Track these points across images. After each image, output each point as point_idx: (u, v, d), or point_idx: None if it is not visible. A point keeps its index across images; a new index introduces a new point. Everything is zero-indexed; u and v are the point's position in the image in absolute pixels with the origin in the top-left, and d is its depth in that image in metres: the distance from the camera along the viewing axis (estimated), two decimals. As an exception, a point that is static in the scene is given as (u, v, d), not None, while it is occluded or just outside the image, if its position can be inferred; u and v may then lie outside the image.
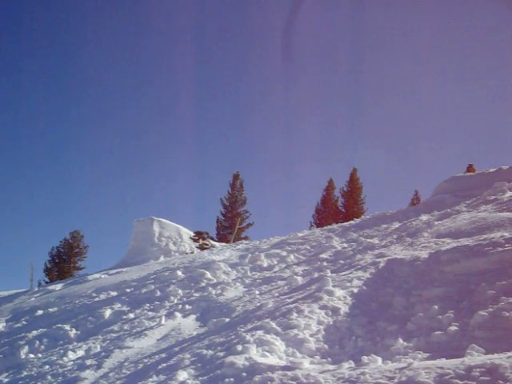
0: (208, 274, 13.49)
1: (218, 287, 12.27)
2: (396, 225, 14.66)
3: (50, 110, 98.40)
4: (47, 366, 9.78)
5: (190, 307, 11.38)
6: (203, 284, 12.93)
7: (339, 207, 40.52)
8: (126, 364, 8.82)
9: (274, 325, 8.32)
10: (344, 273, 10.70)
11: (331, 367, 6.41)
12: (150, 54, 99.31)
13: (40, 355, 10.68)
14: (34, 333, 12.10)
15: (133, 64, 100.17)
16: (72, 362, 9.65)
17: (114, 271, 20.16)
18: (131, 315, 11.79)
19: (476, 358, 5.74)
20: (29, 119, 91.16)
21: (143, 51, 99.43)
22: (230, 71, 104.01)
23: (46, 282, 34.45)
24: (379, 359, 6.46)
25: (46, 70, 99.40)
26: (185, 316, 10.93)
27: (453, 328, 7.14)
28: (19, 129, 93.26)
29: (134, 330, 10.64)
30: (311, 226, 36.54)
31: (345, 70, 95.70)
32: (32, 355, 10.74)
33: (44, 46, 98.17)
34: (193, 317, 10.82)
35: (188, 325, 10.32)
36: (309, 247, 14.69)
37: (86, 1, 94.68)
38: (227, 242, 28.44)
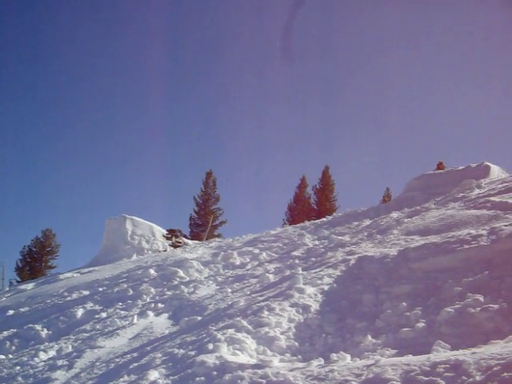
0: (181, 272, 13.50)
1: (191, 285, 12.29)
2: (367, 222, 14.83)
3: (22, 109, 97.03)
4: (18, 367, 9.68)
5: (163, 306, 11.39)
6: (176, 282, 12.93)
7: (312, 204, 40.76)
8: (98, 364, 8.80)
9: (245, 323, 8.38)
10: (315, 270, 10.81)
11: (301, 365, 6.47)
12: (122, 50, 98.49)
13: (11, 356, 10.58)
14: (5, 333, 11.99)
15: (103, 59, 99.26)
16: (43, 363, 9.59)
17: (86, 270, 20.00)
18: (103, 314, 11.74)
19: (441, 354, 5.85)
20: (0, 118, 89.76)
21: (115, 46, 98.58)
22: (200, 67, 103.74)
23: (18, 282, 34.04)
24: (348, 356, 6.56)
25: (17, 68, 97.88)
26: (157, 315, 10.93)
27: (420, 324, 7.27)
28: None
29: (106, 330, 10.61)
30: (284, 223, 36.71)
31: (318, 66, 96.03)
32: (2, 356, 10.63)
33: (19, 44, 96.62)
34: (165, 315, 10.82)
35: (160, 323, 10.32)
36: (281, 245, 14.78)
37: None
38: (200, 239, 28.40)
